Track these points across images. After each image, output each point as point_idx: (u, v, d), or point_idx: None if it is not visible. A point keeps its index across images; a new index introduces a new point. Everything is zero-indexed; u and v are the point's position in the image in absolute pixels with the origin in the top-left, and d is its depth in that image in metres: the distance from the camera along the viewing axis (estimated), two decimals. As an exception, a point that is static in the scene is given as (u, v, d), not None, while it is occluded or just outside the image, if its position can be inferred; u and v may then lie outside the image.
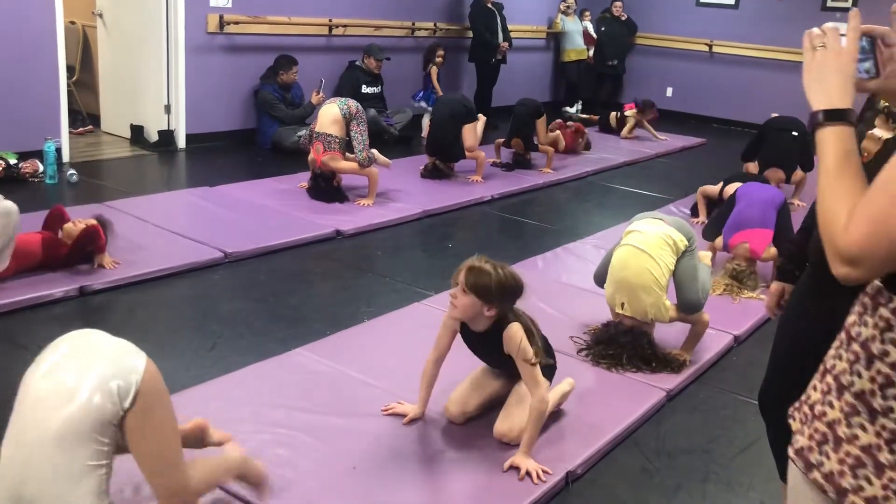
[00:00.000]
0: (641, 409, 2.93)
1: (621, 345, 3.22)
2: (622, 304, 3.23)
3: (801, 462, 1.22)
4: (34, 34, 5.49)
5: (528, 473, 2.44)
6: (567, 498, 2.47)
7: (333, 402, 2.80)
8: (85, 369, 1.74)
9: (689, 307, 3.24)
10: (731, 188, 4.79)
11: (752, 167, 5.85)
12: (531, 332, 2.51)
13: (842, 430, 1.16)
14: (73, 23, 6.96)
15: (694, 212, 5.55)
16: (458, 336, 2.64)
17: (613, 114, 8.76)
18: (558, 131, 7.33)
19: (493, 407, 2.75)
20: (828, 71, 1.19)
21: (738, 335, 3.66)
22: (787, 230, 4.22)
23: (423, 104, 8.05)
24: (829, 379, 1.20)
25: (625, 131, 8.47)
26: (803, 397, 1.28)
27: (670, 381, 3.14)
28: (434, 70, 8.14)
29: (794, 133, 5.86)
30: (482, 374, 2.78)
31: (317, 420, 2.67)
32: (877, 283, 1.14)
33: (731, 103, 10.08)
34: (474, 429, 2.69)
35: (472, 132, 6.14)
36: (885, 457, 1.11)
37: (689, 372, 3.25)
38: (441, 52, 8.14)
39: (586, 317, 3.64)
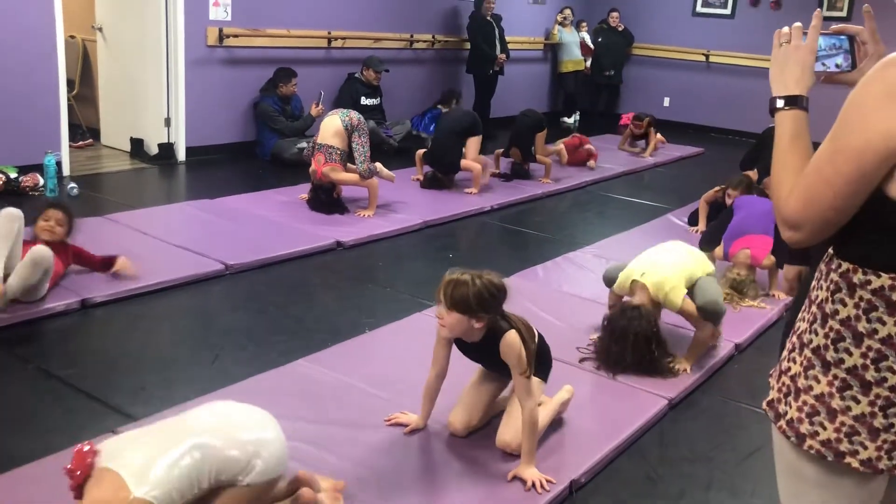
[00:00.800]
0: (644, 417, 2.93)
1: (626, 333, 3.17)
2: (642, 274, 3.29)
3: (772, 413, 1.38)
4: (35, 48, 5.51)
5: (532, 484, 2.44)
6: (571, 507, 2.47)
7: (336, 412, 2.80)
8: (258, 428, 1.98)
9: (709, 308, 3.27)
10: (734, 195, 4.81)
11: (752, 175, 5.87)
12: (524, 338, 2.49)
13: (801, 382, 1.31)
14: (72, 37, 6.99)
15: (692, 221, 5.56)
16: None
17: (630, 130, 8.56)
18: (561, 146, 7.30)
19: (495, 415, 2.75)
20: (788, 62, 1.35)
21: (738, 343, 3.67)
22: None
23: (422, 133, 8.07)
24: (794, 339, 1.36)
25: (649, 150, 8.31)
26: (780, 358, 1.41)
27: (672, 390, 3.14)
28: None
29: None
30: (480, 381, 2.78)
31: (320, 430, 2.67)
32: (829, 250, 1.29)
33: (729, 112, 10.12)
34: (477, 440, 2.69)
35: (475, 145, 6.17)
36: (836, 403, 1.26)
37: (690, 380, 3.25)
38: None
39: (587, 325, 3.65)
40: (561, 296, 4.14)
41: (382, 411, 2.81)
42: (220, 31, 6.54)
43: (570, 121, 10.18)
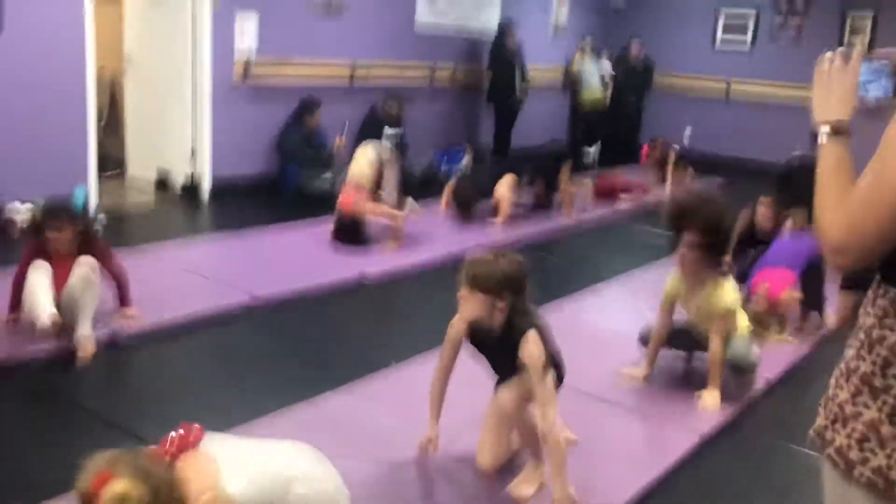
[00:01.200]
0: (676, 454, 2.89)
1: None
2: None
3: (819, 441, 1.36)
4: (65, 81, 5.60)
5: None
6: (604, 546, 2.42)
7: (364, 445, 2.78)
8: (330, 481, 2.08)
9: (736, 358, 3.28)
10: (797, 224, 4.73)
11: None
12: (545, 337, 2.44)
13: (849, 409, 1.30)
14: (102, 68, 7.11)
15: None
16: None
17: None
18: (589, 181, 7.27)
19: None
20: (832, 86, 1.36)
21: (770, 378, 3.61)
22: (818, 280, 4.17)
23: (444, 167, 8.06)
24: (842, 366, 1.35)
25: (669, 182, 8.15)
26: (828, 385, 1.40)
27: (704, 425, 3.10)
28: None
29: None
30: (497, 412, 2.66)
31: (347, 464, 2.64)
32: (877, 276, 1.29)
33: (750, 143, 10.07)
34: (506, 473, 2.66)
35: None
36: (886, 429, 1.25)
37: (723, 416, 3.21)
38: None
39: (614, 359, 3.61)
40: (587, 329, 4.10)
41: (410, 445, 2.78)
42: (247, 63, 6.63)
43: (592, 150, 10.18)
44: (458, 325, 2.58)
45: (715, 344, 3.24)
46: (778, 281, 4.16)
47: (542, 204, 6.69)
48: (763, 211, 4.87)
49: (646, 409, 3.20)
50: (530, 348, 2.38)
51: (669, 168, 8.23)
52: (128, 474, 1.63)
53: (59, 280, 3.53)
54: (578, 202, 6.80)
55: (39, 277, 3.45)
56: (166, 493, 1.68)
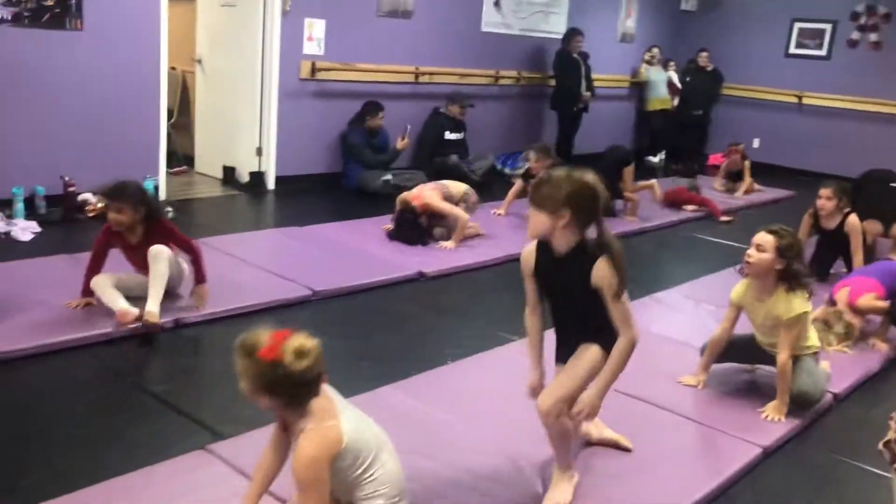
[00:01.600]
0: (737, 465, 2.81)
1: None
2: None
3: (888, 454, 1.42)
4: (140, 80, 5.79)
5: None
6: (660, 554, 2.37)
7: (421, 441, 2.78)
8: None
9: (800, 396, 3.19)
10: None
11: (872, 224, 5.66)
12: (619, 264, 2.27)
13: None
14: (173, 68, 7.30)
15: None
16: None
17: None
18: (654, 181, 7.23)
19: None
20: None
21: (837, 393, 3.49)
22: None
23: (506, 170, 8.14)
24: None
25: (742, 190, 8.16)
26: None
27: (767, 438, 3.01)
28: None
29: (894, 185, 5.66)
30: (540, 414, 2.46)
31: (404, 459, 2.65)
32: None
33: (822, 155, 9.79)
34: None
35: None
36: None
37: (786, 429, 3.11)
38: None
39: (674, 369, 3.54)
40: (648, 336, 4.03)
41: (466, 442, 2.78)
42: (313, 64, 6.74)
43: (656, 160, 10.04)
44: (525, 252, 2.46)
45: (783, 356, 3.14)
46: (861, 286, 4.03)
47: (604, 209, 6.61)
48: (822, 203, 4.76)
49: (707, 420, 3.12)
50: (601, 271, 2.26)
51: (746, 175, 8.14)
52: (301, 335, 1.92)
53: (134, 264, 3.67)
54: (642, 206, 6.71)
55: (104, 279, 3.62)
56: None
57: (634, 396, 3.24)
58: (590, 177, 2.29)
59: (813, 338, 3.32)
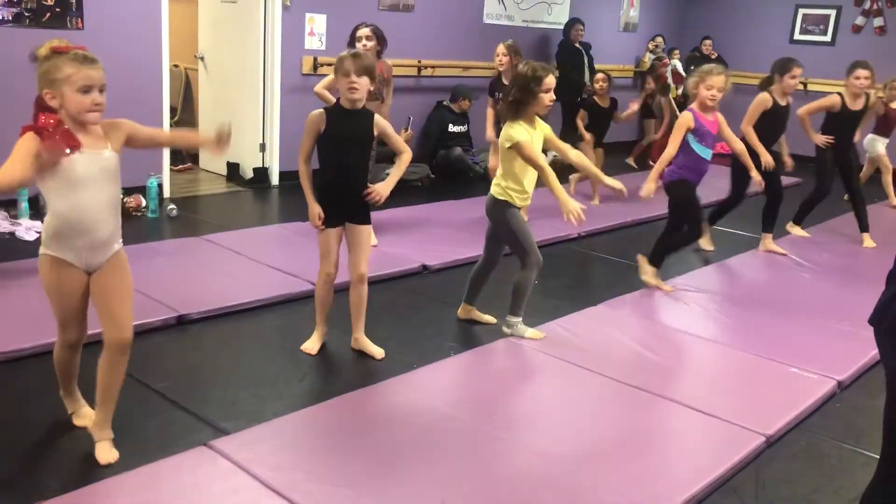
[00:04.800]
0: (740, 454, 2.81)
1: None
2: None
3: None
4: (142, 78, 5.80)
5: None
6: (661, 543, 2.37)
7: (423, 435, 2.79)
8: None
9: None
10: None
11: None
12: None
13: None
14: (176, 66, 7.33)
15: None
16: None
17: None
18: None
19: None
20: None
21: (841, 380, 3.48)
22: None
23: None
24: None
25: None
26: None
27: (770, 426, 3.00)
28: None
29: None
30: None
31: (406, 452, 2.66)
32: None
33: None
34: (564, 464, 2.63)
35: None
36: None
37: (788, 417, 3.10)
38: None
39: (679, 357, 3.53)
40: (651, 326, 4.03)
41: (468, 436, 2.78)
42: (315, 59, 6.73)
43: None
44: None
45: None
46: None
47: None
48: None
49: (710, 409, 3.12)
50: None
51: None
52: None
53: None
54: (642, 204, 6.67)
55: None
56: None
57: (636, 387, 3.24)
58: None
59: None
